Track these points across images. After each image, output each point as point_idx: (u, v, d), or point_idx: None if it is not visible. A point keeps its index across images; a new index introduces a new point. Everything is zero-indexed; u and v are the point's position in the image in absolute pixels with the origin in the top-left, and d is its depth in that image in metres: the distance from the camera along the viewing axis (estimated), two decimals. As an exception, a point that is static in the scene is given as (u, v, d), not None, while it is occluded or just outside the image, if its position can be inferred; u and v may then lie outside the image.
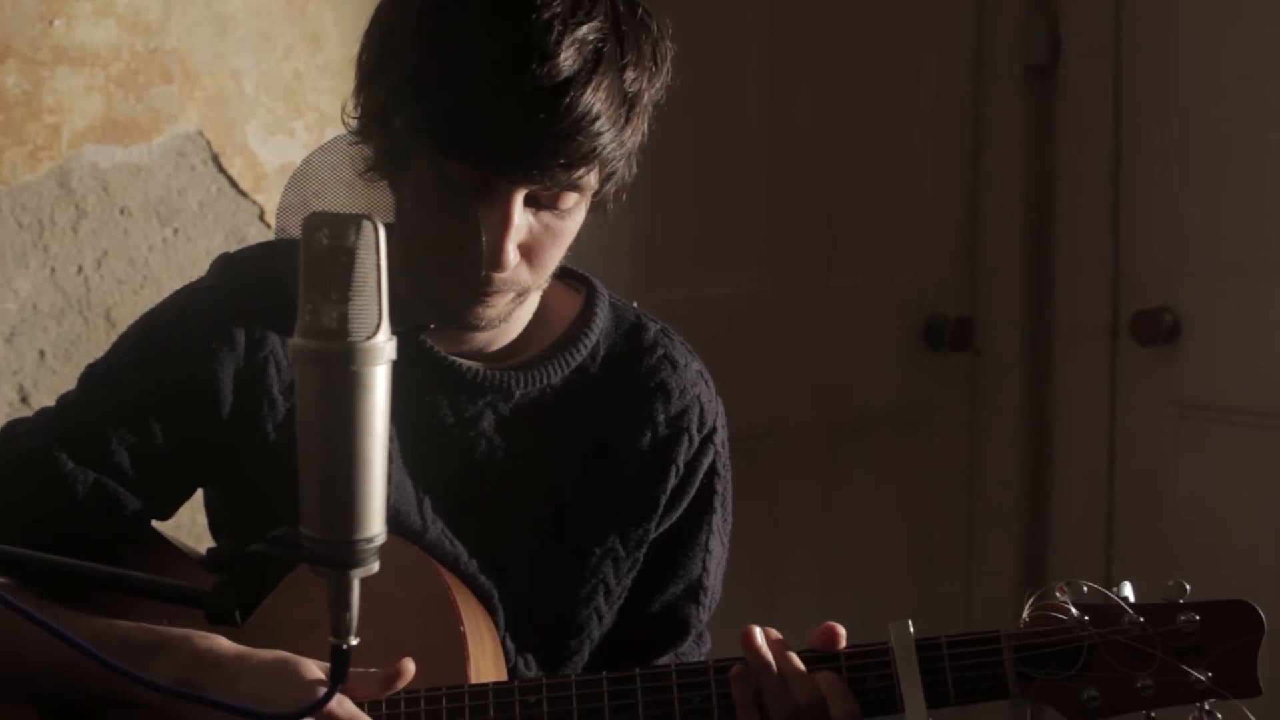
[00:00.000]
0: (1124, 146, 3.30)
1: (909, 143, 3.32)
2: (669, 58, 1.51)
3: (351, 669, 1.39)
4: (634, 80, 1.45)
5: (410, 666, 1.42)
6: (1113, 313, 3.34)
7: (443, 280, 1.47)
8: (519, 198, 1.44)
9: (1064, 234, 3.40)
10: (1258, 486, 3.15)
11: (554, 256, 1.52)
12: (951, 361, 3.40)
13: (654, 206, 2.71)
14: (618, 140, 1.44)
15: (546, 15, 1.40)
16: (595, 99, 1.41)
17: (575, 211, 1.50)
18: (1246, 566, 3.05)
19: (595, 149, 1.42)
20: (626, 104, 1.45)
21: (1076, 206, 3.38)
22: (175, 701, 1.33)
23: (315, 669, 1.40)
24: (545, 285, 1.56)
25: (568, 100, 1.39)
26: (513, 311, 1.54)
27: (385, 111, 1.45)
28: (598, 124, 1.41)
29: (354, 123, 1.49)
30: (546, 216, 1.48)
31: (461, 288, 1.48)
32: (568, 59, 1.39)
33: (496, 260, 1.45)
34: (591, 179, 1.47)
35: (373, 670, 1.43)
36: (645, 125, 1.50)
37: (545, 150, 1.41)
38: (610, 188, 1.51)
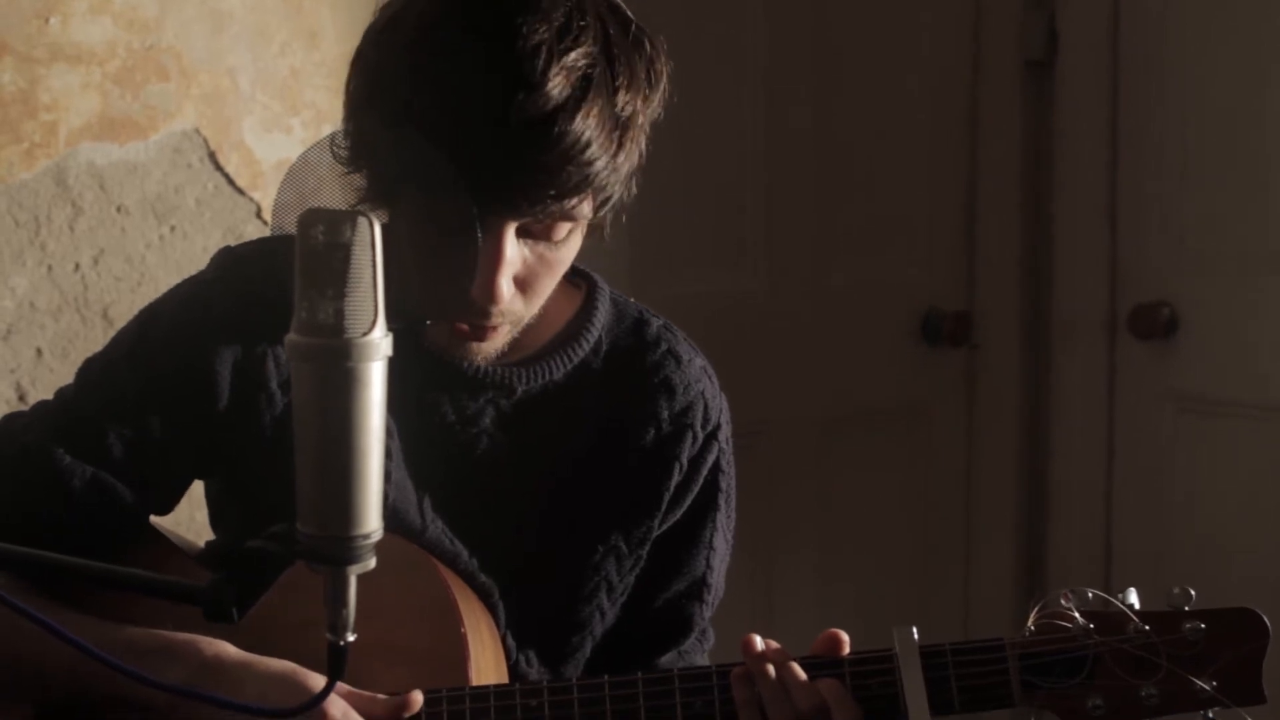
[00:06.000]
0: (1121, 141, 3.29)
1: (906, 138, 3.31)
2: (665, 76, 1.46)
3: (361, 691, 1.42)
4: (627, 103, 1.41)
5: (418, 698, 1.43)
6: (1110, 307, 3.33)
7: (437, 313, 1.44)
8: (510, 231, 1.41)
9: (1061, 229, 3.39)
10: (1257, 480, 3.15)
11: (549, 285, 1.49)
12: (949, 357, 3.39)
13: (650, 203, 2.69)
14: (610, 166, 1.40)
15: (534, 42, 1.35)
16: (585, 126, 1.37)
17: (570, 240, 1.47)
18: (1246, 560, 3.05)
19: (587, 177, 1.39)
20: (619, 128, 1.40)
21: (1074, 201, 3.37)
22: (182, 705, 1.33)
23: (321, 680, 1.39)
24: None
25: (557, 130, 1.35)
26: (507, 342, 1.52)
27: (374, 145, 1.40)
28: (589, 152, 1.37)
29: (345, 153, 1.43)
30: (540, 247, 1.45)
31: (456, 320, 1.47)
32: (556, 87, 1.35)
33: (490, 294, 1.42)
34: (585, 207, 1.43)
35: (381, 696, 1.43)
36: (642, 146, 1.45)
37: (536, 182, 1.37)
38: (606, 213, 1.47)
